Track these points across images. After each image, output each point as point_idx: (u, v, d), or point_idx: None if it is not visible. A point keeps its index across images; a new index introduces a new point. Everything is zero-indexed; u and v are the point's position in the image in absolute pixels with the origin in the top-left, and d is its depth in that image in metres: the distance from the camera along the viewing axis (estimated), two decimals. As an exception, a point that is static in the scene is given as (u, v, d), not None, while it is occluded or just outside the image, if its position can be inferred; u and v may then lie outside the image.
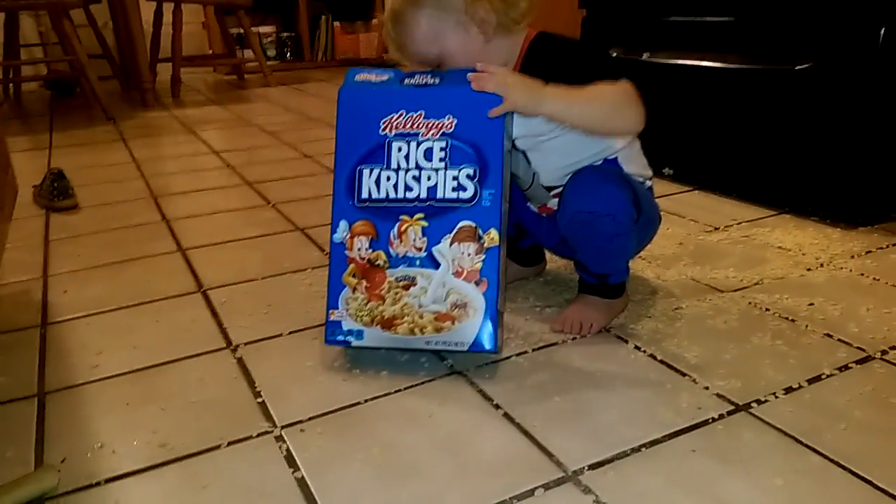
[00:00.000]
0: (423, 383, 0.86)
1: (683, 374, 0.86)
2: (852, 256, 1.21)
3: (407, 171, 0.87)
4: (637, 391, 0.83)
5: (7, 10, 3.06)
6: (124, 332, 1.03)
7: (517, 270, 1.14)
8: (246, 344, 0.98)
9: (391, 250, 0.87)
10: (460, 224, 0.86)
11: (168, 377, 0.90)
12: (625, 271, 0.99)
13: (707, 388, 0.83)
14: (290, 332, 1.00)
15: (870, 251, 1.23)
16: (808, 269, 1.16)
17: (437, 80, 0.88)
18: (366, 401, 0.83)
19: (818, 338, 0.94)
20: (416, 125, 0.87)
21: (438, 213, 0.86)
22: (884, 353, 0.90)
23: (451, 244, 0.86)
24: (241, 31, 3.81)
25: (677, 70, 1.60)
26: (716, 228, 1.37)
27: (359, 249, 0.88)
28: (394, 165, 0.88)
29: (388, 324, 0.87)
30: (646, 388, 0.84)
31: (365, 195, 0.88)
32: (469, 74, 0.85)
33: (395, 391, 0.84)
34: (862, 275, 1.14)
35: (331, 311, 0.89)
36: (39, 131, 2.68)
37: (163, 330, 1.04)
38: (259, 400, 0.84)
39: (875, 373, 0.85)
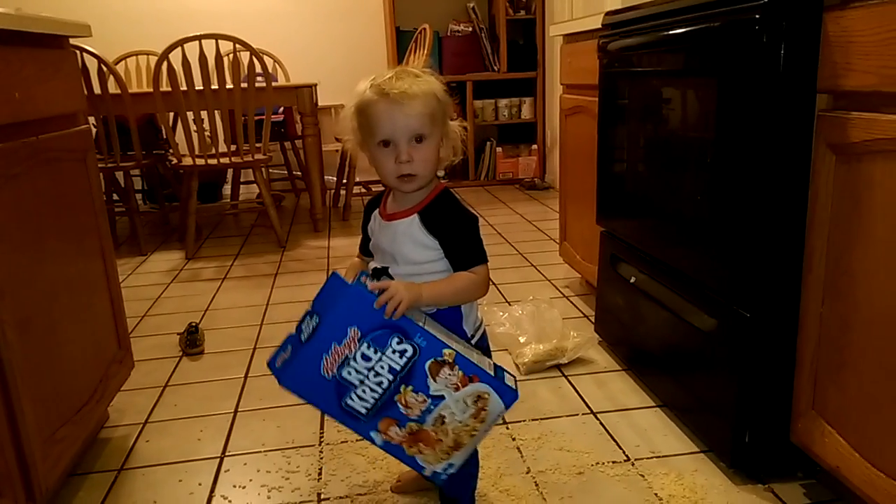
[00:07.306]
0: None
1: None
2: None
3: (367, 378, 1.11)
4: None
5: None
6: (172, 487, 1.56)
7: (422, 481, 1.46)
8: None
9: (411, 417, 1.13)
10: (426, 366, 1.10)
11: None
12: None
13: None
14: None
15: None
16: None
17: (317, 319, 1.10)
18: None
19: None
20: (339, 354, 1.09)
21: (410, 375, 1.10)
22: None
23: (435, 381, 1.11)
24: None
25: (650, 303, 1.82)
26: (626, 459, 1.55)
27: (397, 433, 1.14)
28: (356, 383, 1.10)
29: (457, 446, 1.15)
30: None
31: (364, 411, 1.12)
32: (378, 301, 1.08)
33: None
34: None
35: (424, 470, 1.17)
36: (228, 257, 3.55)
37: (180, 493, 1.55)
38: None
39: None
